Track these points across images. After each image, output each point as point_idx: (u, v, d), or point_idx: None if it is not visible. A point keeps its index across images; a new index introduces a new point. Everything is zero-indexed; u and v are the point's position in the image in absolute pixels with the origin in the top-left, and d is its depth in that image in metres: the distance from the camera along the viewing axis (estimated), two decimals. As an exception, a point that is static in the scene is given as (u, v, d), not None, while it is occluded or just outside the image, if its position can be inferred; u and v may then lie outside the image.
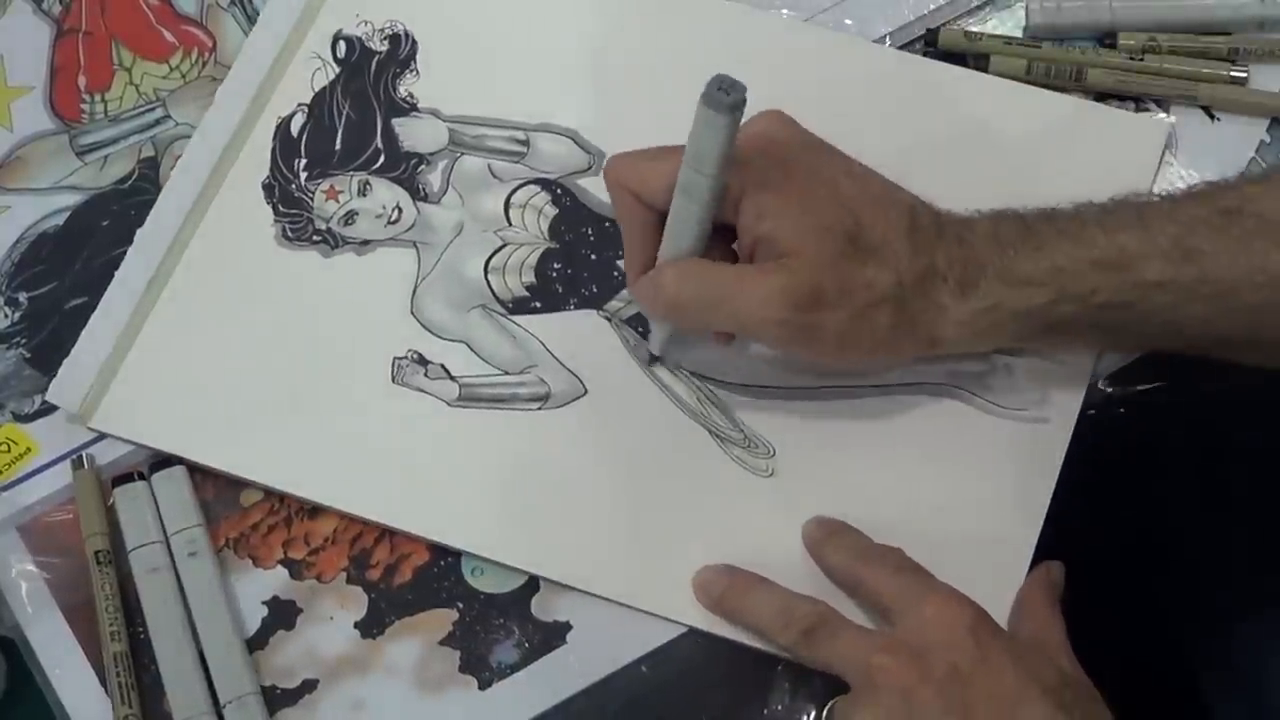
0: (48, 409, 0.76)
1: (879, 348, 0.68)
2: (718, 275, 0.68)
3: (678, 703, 0.70)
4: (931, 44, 0.81)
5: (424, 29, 0.83)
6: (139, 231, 0.79)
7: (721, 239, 0.69)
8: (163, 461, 0.74)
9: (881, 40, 0.81)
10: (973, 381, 0.72)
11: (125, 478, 0.74)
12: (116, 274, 0.78)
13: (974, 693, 0.63)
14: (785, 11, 0.82)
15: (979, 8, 0.82)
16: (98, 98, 0.84)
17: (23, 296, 0.79)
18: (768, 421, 0.73)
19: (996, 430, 0.72)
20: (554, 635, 0.71)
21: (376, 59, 0.83)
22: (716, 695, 0.69)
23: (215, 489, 0.75)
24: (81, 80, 0.84)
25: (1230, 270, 0.65)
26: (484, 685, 0.70)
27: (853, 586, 0.69)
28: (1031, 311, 0.67)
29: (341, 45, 0.83)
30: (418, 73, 0.82)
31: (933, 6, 0.82)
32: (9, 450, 0.76)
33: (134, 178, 0.82)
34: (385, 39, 0.83)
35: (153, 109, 0.83)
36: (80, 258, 0.80)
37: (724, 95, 0.62)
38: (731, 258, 0.69)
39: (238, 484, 0.74)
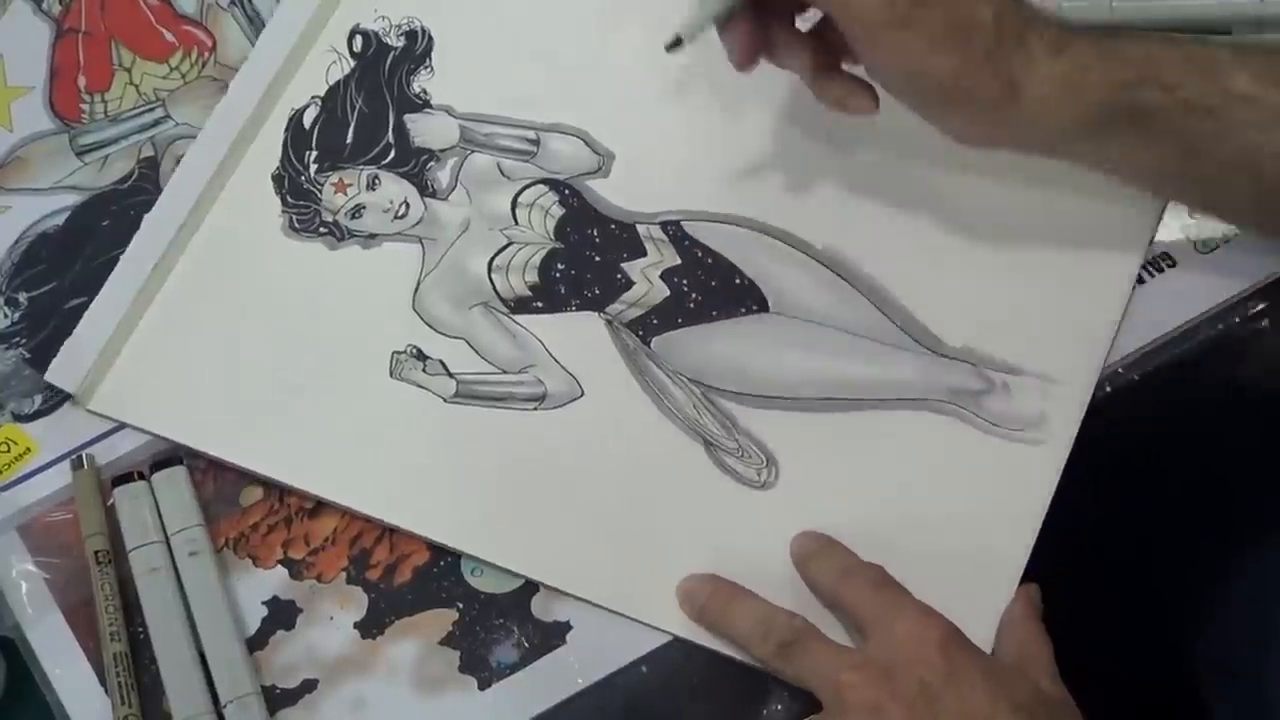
0: (48, 409, 0.76)
1: (967, 73, 0.65)
2: None
3: (677, 703, 0.70)
4: (931, 44, 0.81)
5: (440, 26, 0.83)
6: (147, 216, 0.79)
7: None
8: (163, 461, 0.74)
9: (881, 40, 0.81)
10: (971, 400, 0.72)
11: (125, 478, 0.74)
12: (122, 257, 0.78)
13: (943, 709, 0.63)
14: (785, 11, 0.82)
15: (979, 7, 0.82)
16: (97, 98, 0.84)
17: (23, 296, 0.80)
18: (763, 431, 0.73)
19: (993, 449, 0.71)
20: (554, 635, 0.71)
21: (392, 54, 0.83)
22: (715, 695, 0.69)
23: (215, 489, 0.75)
24: (81, 80, 0.84)
25: None
26: (484, 685, 0.70)
27: (833, 602, 0.69)
28: (1119, 86, 0.65)
29: (358, 40, 0.83)
30: (432, 69, 0.82)
31: (933, 6, 0.82)
32: (9, 450, 0.76)
33: (134, 178, 0.82)
34: (402, 35, 0.83)
35: (152, 109, 0.83)
36: (80, 258, 0.80)
37: None
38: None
39: (238, 484, 0.74)
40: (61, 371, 0.76)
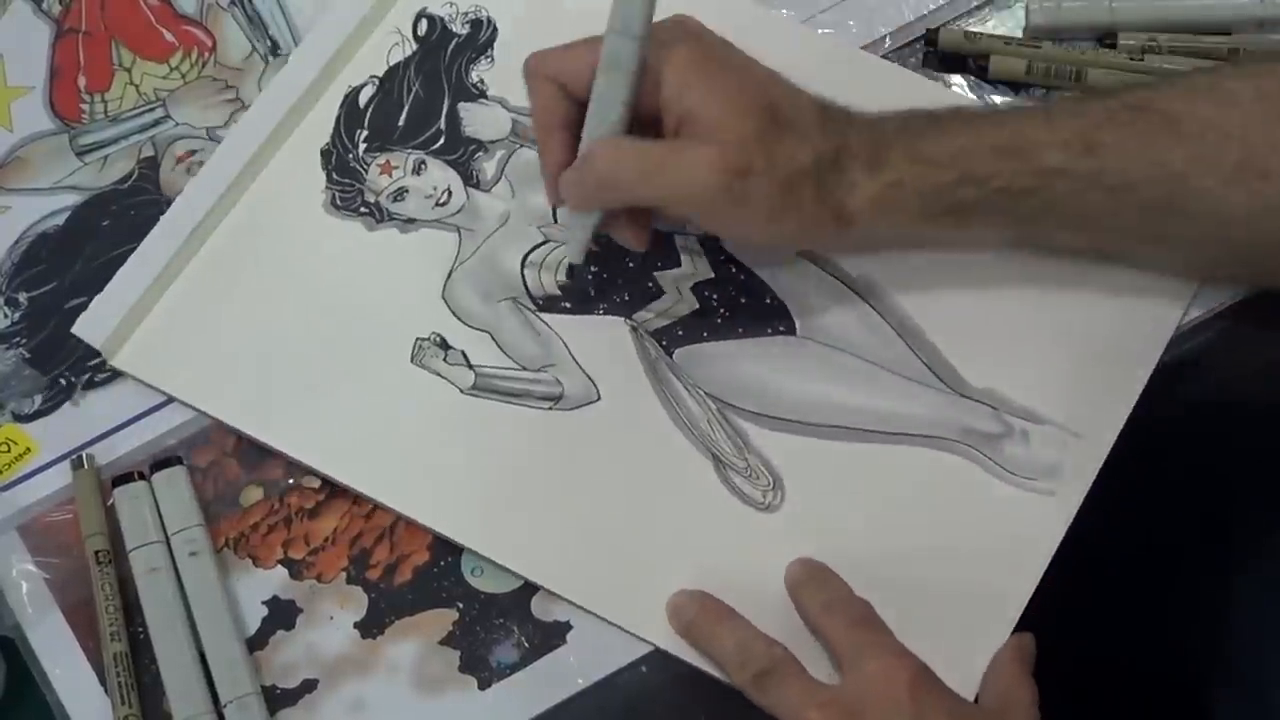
0: (48, 409, 0.76)
1: (803, 222, 0.69)
2: (649, 148, 0.69)
3: (676, 703, 0.70)
4: (931, 44, 0.81)
5: (506, 18, 0.83)
6: (191, 180, 0.79)
7: (639, 127, 0.70)
8: (163, 461, 0.74)
9: (881, 40, 0.81)
10: (986, 443, 0.72)
11: (125, 478, 0.74)
12: (162, 218, 0.78)
13: None
14: (785, 11, 0.82)
15: (979, 8, 0.82)
16: (97, 98, 0.84)
17: (23, 296, 0.79)
18: (774, 453, 0.73)
19: (1003, 495, 0.71)
20: (554, 635, 0.71)
21: (455, 41, 0.83)
22: (715, 696, 0.69)
23: (215, 489, 0.75)
24: (81, 80, 0.84)
25: (1131, 163, 0.67)
26: (484, 685, 0.70)
27: (815, 633, 0.69)
28: (935, 191, 0.68)
29: (423, 23, 0.83)
30: (493, 60, 0.82)
31: (933, 6, 0.82)
32: (9, 450, 0.76)
33: (134, 178, 0.82)
34: (467, 23, 0.83)
35: (152, 109, 0.83)
36: (80, 258, 0.80)
37: None
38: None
39: (238, 484, 0.74)
40: (89, 326, 0.76)
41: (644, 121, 0.70)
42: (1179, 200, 0.67)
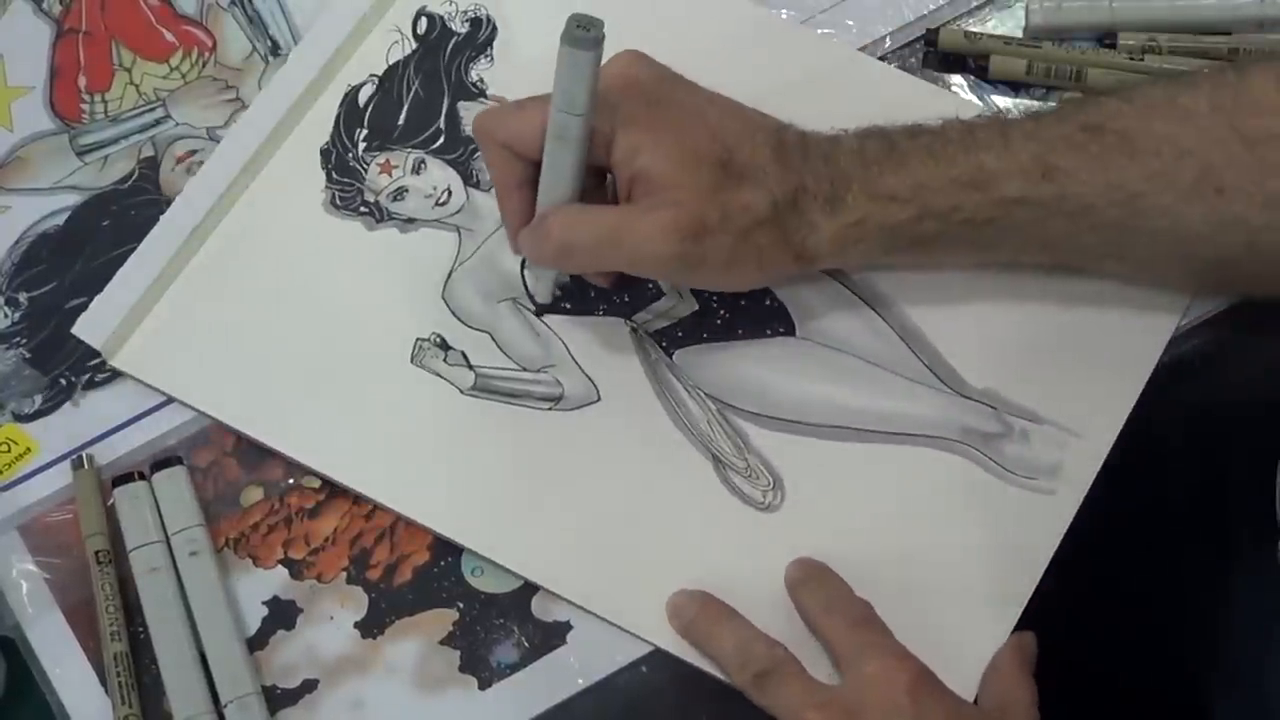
0: (48, 409, 0.76)
1: (763, 266, 0.69)
2: (603, 217, 0.69)
3: (677, 703, 0.70)
4: (931, 44, 0.81)
5: (505, 16, 0.83)
6: (190, 180, 0.79)
7: (594, 180, 0.70)
8: (163, 461, 0.74)
9: (881, 40, 0.81)
10: (986, 442, 0.72)
11: (125, 478, 0.74)
12: (162, 218, 0.78)
13: None
14: (785, 12, 0.82)
15: (979, 8, 0.83)
16: (98, 98, 0.84)
17: (23, 296, 0.79)
18: (773, 453, 0.73)
19: (1003, 495, 0.71)
20: (554, 635, 0.71)
21: (454, 40, 0.83)
22: (716, 696, 0.69)
23: (215, 489, 0.75)
24: (81, 80, 0.84)
25: (1089, 187, 0.67)
26: (484, 685, 0.70)
27: (815, 633, 0.69)
28: (896, 227, 0.68)
29: (423, 21, 0.83)
30: (492, 59, 0.82)
31: (933, 6, 0.82)
32: (9, 450, 0.76)
33: (134, 178, 0.82)
34: (467, 21, 0.83)
35: (153, 109, 0.83)
36: (80, 258, 0.80)
37: (585, 32, 0.63)
38: (604, 198, 0.71)
39: (238, 484, 0.74)
40: (89, 326, 0.76)
41: (601, 174, 0.70)
42: (1138, 219, 0.67)
